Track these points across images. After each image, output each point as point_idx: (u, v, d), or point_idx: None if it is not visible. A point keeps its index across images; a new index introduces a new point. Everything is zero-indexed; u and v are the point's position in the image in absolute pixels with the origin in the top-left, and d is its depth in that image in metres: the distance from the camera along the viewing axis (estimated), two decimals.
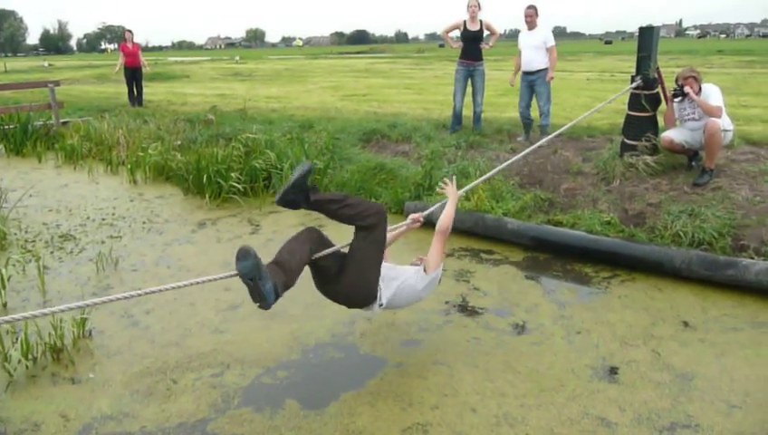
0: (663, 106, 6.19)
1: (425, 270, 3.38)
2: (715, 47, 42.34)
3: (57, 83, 12.33)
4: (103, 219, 6.62)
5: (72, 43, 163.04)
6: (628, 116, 6.33)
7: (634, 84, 6.10)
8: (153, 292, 2.76)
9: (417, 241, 5.35)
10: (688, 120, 5.75)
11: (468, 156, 7.23)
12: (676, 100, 5.76)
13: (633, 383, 3.33)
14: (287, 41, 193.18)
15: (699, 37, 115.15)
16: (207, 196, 7.17)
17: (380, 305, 3.26)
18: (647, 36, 6.11)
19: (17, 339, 3.73)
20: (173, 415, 3.14)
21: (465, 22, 8.08)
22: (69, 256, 5.49)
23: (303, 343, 3.86)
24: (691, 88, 5.54)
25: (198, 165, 7.41)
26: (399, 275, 3.36)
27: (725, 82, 13.74)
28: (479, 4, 8.00)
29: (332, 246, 3.30)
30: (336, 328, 4.04)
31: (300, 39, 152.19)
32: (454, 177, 3.90)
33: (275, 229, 6.13)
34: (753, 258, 4.50)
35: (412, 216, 3.75)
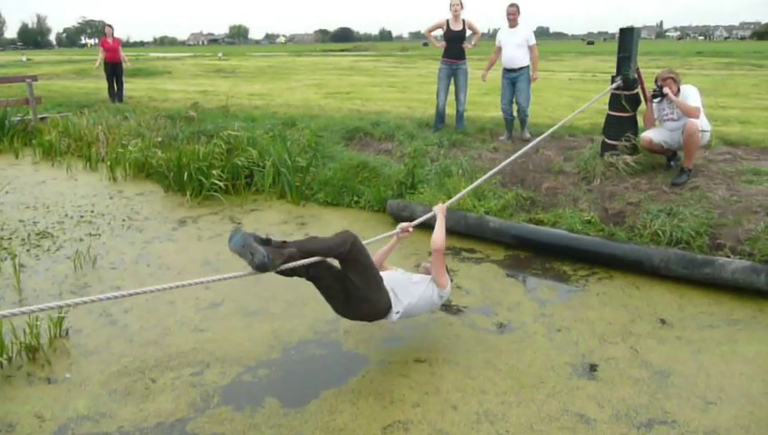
0: (643, 106, 6.26)
1: (437, 285, 3.51)
2: (694, 49, 42.98)
3: (35, 78, 12.13)
4: (82, 217, 6.52)
5: (52, 37, 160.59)
6: (608, 116, 6.39)
7: (614, 85, 6.16)
8: (150, 291, 2.75)
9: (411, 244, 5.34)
10: (667, 120, 5.82)
11: (451, 154, 7.25)
12: (655, 100, 5.83)
13: (612, 380, 3.36)
14: (271, 38, 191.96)
15: (679, 39, 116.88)
16: (188, 193, 7.10)
17: (397, 313, 3.37)
18: (627, 37, 6.17)
19: None
20: (151, 415, 3.10)
21: (447, 21, 8.09)
22: (46, 254, 5.40)
23: (285, 341, 3.85)
24: (670, 89, 5.60)
25: (179, 162, 7.34)
26: (414, 286, 3.48)
27: (704, 83, 13.95)
28: (462, 4, 8.02)
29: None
30: (318, 326, 4.03)
31: (283, 36, 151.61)
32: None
33: (257, 227, 6.09)
34: (729, 257, 4.57)
35: (401, 225, 3.79)
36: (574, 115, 6.25)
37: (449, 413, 3.09)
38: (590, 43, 70.70)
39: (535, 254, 5.27)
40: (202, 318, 4.16)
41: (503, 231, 5.47)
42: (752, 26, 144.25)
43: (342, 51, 58.45)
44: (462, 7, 8.04)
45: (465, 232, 5.69)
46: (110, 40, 13.08)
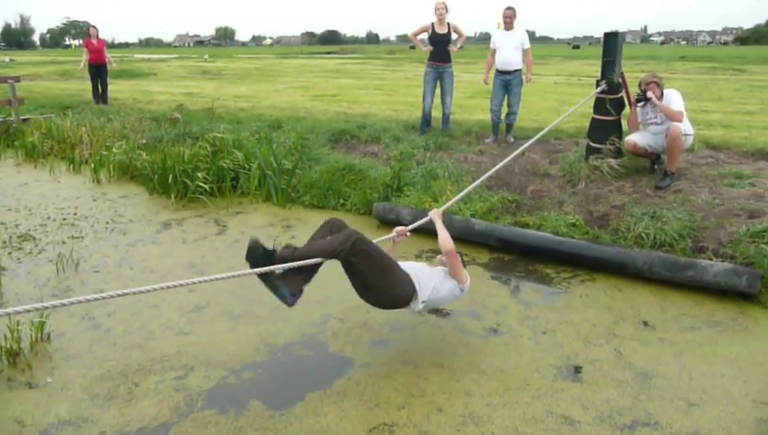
0: (627, 110, 6.32)
1: (457, 281, 3.57)
2: (677, 53, 43.49)
3: (17, 79, 11.99)
4: (64, 219, 6.45)
5: (35, 38, 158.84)
6: (593, 120, 6.44)
7: (599, 89, 6.22)
8: (140, 292, 2.70)
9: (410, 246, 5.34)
10: (651, 124, 5.88)
11: (437, 157, 7.27)
12: (639, 104, 5.89)
13: (596, 382, 3.39)
14: (257, 40, 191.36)
15: (662, 44, 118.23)
16: (173, 196, 7.05)
17: (423, 302, 3.42)
18: (611, 42, 6.23)
19: None
20: (134, 419, 3.07)
21: (432, 24, 8.12)
22: (28, 257, 5.33)
23: (271, 343, 3.83)
24: (653, 93, 5.66)
25: (164, 164, 7.29)
26: (435, 274, 3.55)
27: (688, 87, 14.13)
28: (446, 7, 8.06)
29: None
30: (305, 328, 4.01)
31: (270, 38, 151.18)
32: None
33: (242, 230, 6.06)
34: (711, 260, 4.63)
35: (397, 229, 3.82)
36: (561, 120, 6.29)
37: (435, 415, 3.09)
38: (576, 47, 71.34)
39: (519, 256, 5.30)
40: (186, 321, 4.13)
41: (488, 234, 5.49)
42: (734, 32, 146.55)
43: (329, 53, 58.42)
44: (447, 11, 8.08)
45: (452, 235, 5.65)
46: (94, 41, 12.97)
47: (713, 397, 3.24)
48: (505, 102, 8.08)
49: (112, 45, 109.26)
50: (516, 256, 5.32)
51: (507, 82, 7.92)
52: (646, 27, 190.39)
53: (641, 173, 6.15)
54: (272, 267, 3.23)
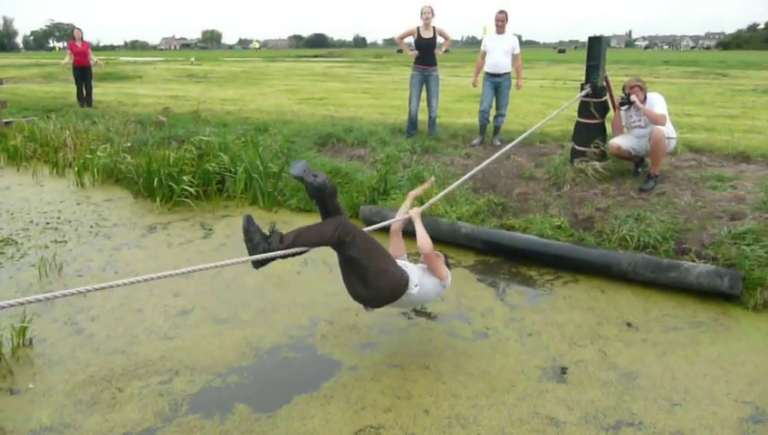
0: (611, 114, 6.38)
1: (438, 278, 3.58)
2: (661, 58, 43.98)
3: (0, 82, 11.85)
4: (48, 223, 6.38)
5: (19, 40, 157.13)
6: (577, 123, 6.49)
7: (584, 92, 6.27)
8: (129, 283, 2.68)
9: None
10: (635, 127, 5.94)
11: (423, 160, 7.29)
12: (623, 108, 5.95)
13: (581, 383, 3.41)
14: (244, 43, 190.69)
15: (646, 48, 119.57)
16: (158, 199, 6.99)
17: (416, 286, 3.41)
18: (595, 46, 6.29)
19: None
20: (117, 425, 3.04)
21: (418, 28, 8.15)
22: (9, 262, 5.26)
23: (256, 347, 3.81)
24: (637, 97, 5.73)
25: (149, 168, 7.23)
26: (416, 269, 3.55)
27: (671, 91, 14.29)
28: (432, 11, 8.10)
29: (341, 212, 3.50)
30: (291, 331, 4.00)
31: (257, 41, 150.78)
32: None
33: (228, 234, 6.03)
34: (694, 261, 4.68)
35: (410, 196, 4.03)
36: (544, 123, 6.34)
37: (421, 418, 3.10)
38: (562, 51, 71.73)
39: (504, 259, 5.33)
40: (171, 326, 4.10)
41: (474, 236, 5.51)
42: (717, 36, 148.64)
43: (316, 57, 58.36)
44: (433, 15, 8.11)
45: (438, 238, 5.68)
46: (78, 44, 12.85)
47: (695, 397, 3.27)
48: (494, 105, 8.14)
49: (97, 48, 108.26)
50: (501, 258, 5.35)
51: (497, 85, 7.99)
52: (630, 32, 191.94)
53: (625, 176, 6.21)
54: (267, 255, 3.36)
